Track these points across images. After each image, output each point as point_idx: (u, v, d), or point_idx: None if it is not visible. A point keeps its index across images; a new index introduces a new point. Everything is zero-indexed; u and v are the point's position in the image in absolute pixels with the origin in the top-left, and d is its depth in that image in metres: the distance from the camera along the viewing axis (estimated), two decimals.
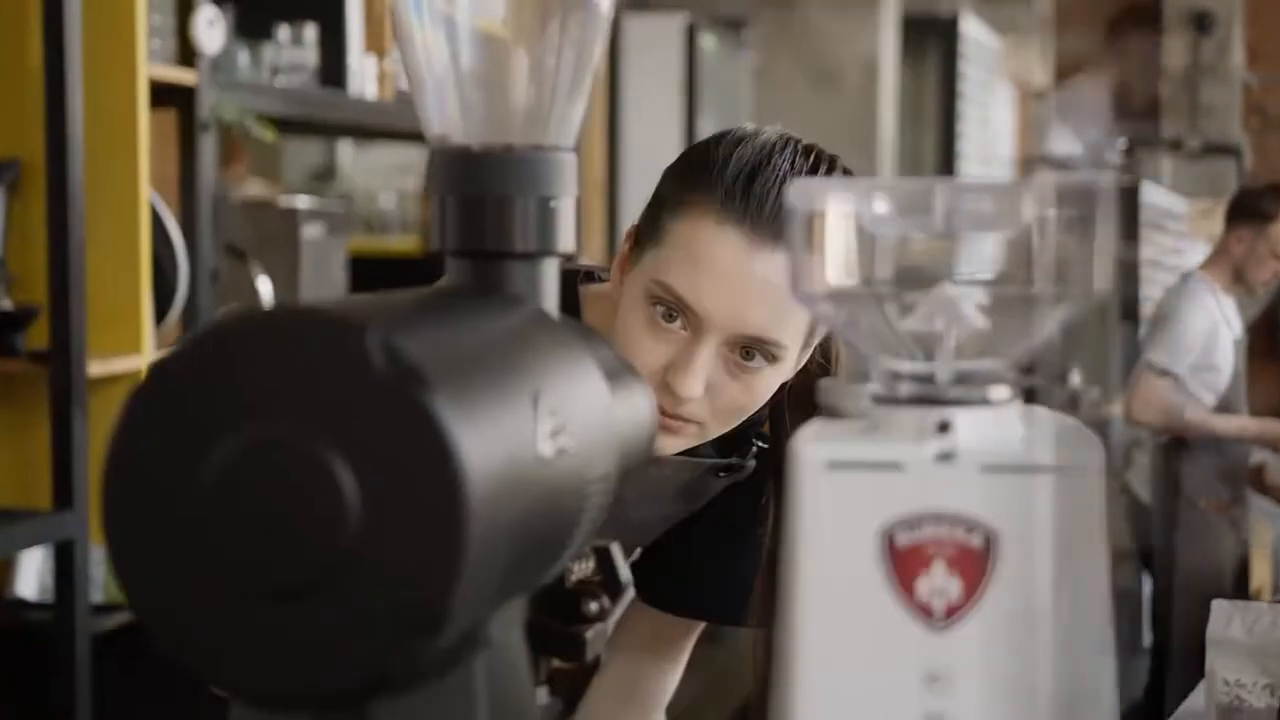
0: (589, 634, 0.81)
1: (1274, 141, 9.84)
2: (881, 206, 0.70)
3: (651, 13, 4.79)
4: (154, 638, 0.62)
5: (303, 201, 3.06)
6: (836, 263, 0.71)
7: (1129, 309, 7.12)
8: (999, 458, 0.67)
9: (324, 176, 4.73)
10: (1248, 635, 1.95)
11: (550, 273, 0.81)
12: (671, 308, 1.22)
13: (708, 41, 4.77)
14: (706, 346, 1.21)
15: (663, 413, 1.23)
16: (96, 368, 2.36)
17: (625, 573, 0.85)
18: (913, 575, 0.67)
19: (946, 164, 7.32)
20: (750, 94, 5.18)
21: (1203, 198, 7.99)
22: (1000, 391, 0.70)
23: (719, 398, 1.24)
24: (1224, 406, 4.23)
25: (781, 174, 1.23)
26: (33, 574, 2.60)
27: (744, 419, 1.28)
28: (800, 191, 0.70)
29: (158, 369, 0.62)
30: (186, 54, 2.59)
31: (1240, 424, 4.30)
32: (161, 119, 2.57)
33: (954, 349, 0.70)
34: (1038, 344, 0.71)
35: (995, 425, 0.69)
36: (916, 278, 0.72)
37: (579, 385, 0.74)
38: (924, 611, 0.67)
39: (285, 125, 3.06)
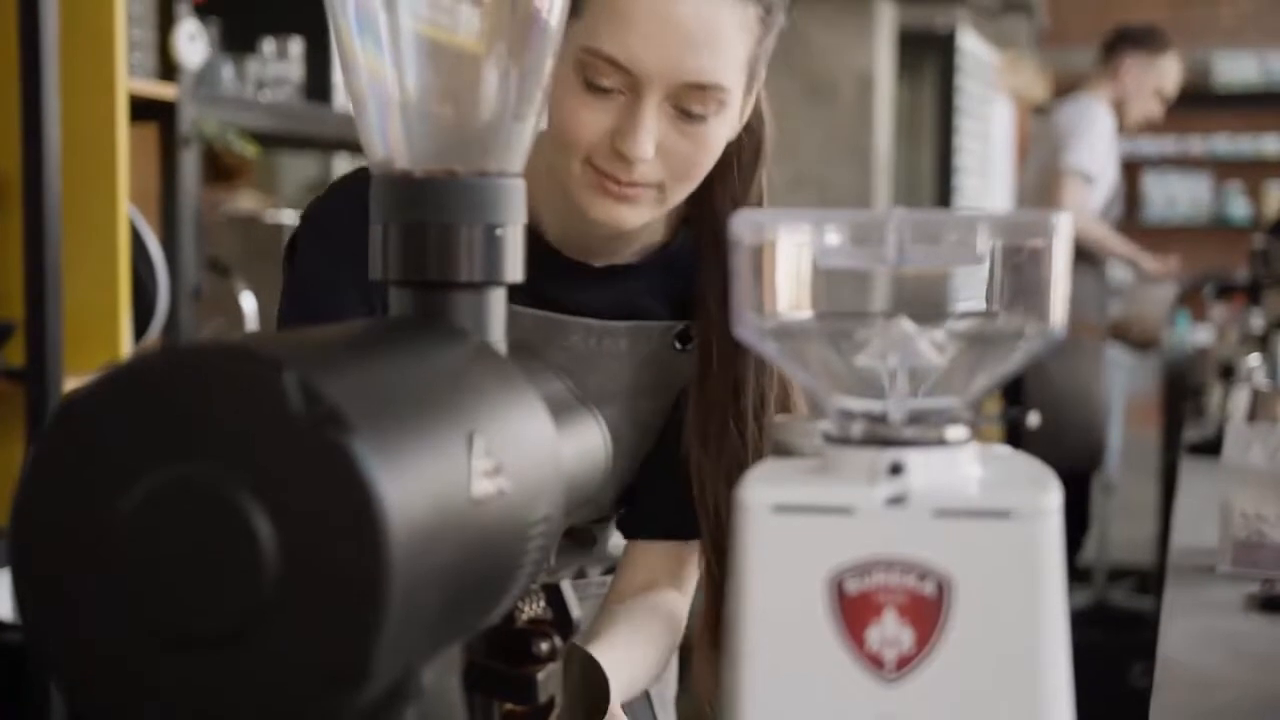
0: (540, 675, 0.78)
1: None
2: (833, 238, 0.67)
3: None
4: (60, 687, 0.59)
5: (289, 216, 3.03)
6: (786, 296, 0.68)
7: (944, 160, 7.19)
8: (952, 501, 0.64)
9: (319, 189, 4.69)
10: (1268, 461, 1.84)
11: (497, 303, 0.78)
12: (604, 73, 1.19)
13: None
14: (648, 103, 1.18)
15: (617, 182, 1.21)
16: (74, 385, 2.33)
17: (577, 610, 0.82)
18: (863, 624, 0.64)
19: (943, 178, 7.30)
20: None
21: (999, 51, 8.05)
22: (957, 431, 0.67)
23: (671, 157, 1.21)
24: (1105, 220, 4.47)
25: None
26: (7, 593, 2.57)
27: (700, 178, 1.24)
28: (747, 222, 0.67)
29: (70, 404, 0.59)
30: (168, 68, 2.56)
31: (1128, 247, 4.60)
32: (143, 133, 2.54)
33: (908, 386, 0.67)
34: (995, 382, 0.68)
35: (950, 467, 0.66)
36: (869, 312, 0.69)
37: (520, 422, 0.71)
38: (875, 662, 0.64)
39: (270, 139, 3.03)
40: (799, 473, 0.68)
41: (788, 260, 0.67)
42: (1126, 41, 4.43)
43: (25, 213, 2.28)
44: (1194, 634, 1.55)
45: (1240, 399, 2.93)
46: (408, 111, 0.78)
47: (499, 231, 0.77)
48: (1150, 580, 5.15)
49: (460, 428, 0.65)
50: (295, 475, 0.57)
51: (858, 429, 0.67)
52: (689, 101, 1.19)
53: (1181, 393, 4.70)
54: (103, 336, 2.40)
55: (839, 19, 5.27)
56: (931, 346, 0.67)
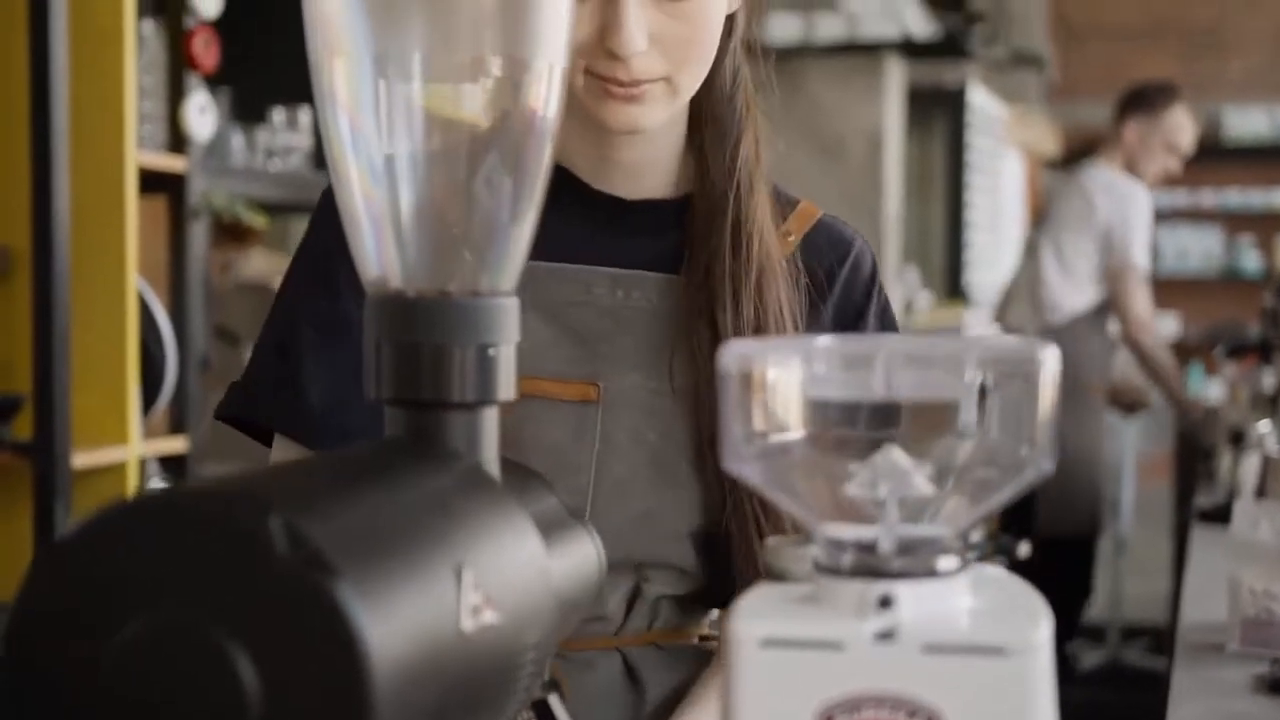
0: None
1: (1078, 53, 9.86)
2: (820, 368, 0.67)
3: None
4: None
5: None
6: (774, 425, 0.68)
7: (954, 215, 7.19)
8: (943, 636, 0.64)
9: None
10: (1276, 538, 1.82)
11: (490, 422, 0.78)
12: None
13: None
14: None
15: (620, 83, 1.14)
16: (82, 459, 2.33)
17: None
18: None
19: (954, 234, 7.31)
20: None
21: (1009, 105, 8.07)
22: (947, 561, 0.67)
23: (667, 43, 1.14)
24: None
25: None
26: None
27: (709, 60, 1.17)
28: (734, 354, 0.67)
29: (55, 549, 0.59)
30: (178, 140, 2.58)
31: (1176, 383, 4.61)
32: (152, 205, 2.56)
33: (898, 515, 0.67)
34: (986, 512, 0.68)
35: (940, 599, 0.66)
36: (860, 439, 0.69)
37: (511, 550, 0.71)
38: None
39: (280, 207, 3.05)
40: (789, 602, 0.68)
41: (775, 390, 0.67)
42: (1128, 104, 4.47)
43: (34, 285, 2.29)
44: (1202, 718, 1.54)
45: (1251, 466, 2.91)
46: (401, 231, 0.78)
47: (492, 351, 0.77)
48: (1164, 639, 5.12)
49: (449, 561, 0.65)
50: (280, 620, 0.57)
51: (847, 559, 0.67)
52: None
53: (1193, 453, 4.69)
54: (112, 409, 2.40)
55: (848, 78, 5.29)
56: (922, 477, 0.67)
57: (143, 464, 2.53)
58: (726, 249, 1.21)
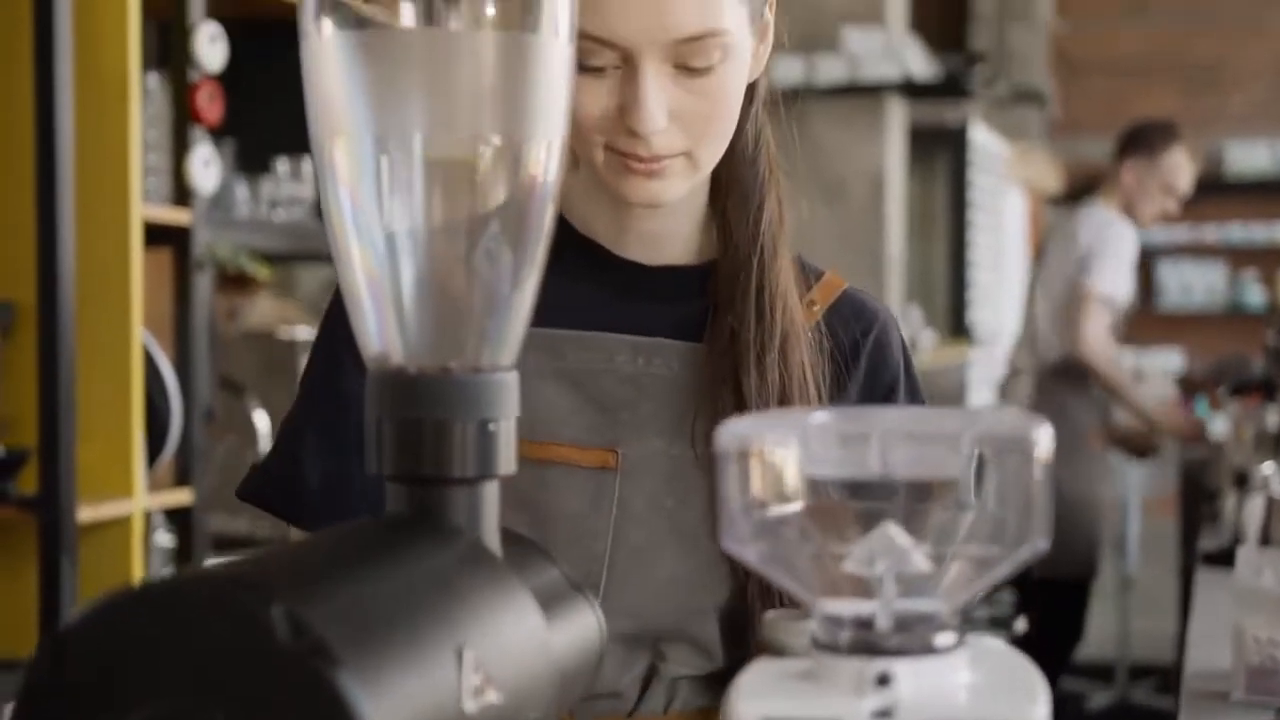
0: None
1: (1079, 89, 9.89)
2: (817, 446, 0.67)
3: None
4: None
5: (303, 332, 3.05)
6: (771, 501, 0.69)
7: (957, 254, 7.20)
8: (941, 714, 0.64)
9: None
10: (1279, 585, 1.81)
11: (490, 496, 0.79)
12: (591, 53, 1.11)
13: None
14: (646, 72, 1.10)
15: (640, 159, 1.13)
16: (87, 513, 2.34)
17: None
18: None
19: (957, 273, 7.32)
20: None
21: (1011, 142, 8.08)
22: (945, 638, 0.67)
23: (687, 118, 1.13)
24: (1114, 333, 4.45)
25: None
26: None
27: (729, 133, 1.16)
28: (731, 434, 0.67)
29: (59, 636, 0.60)
30: (183, 193, 2.59)
31: (1139, 400, 4.55)
32: (157, 258, 2.57)
33: (895, 590, 0.68)
34: (983, 588, 0.69)
35: (939, 675, 0.66)
36: (857, 515, 0.70)
37: (511, 627, 0.71)
38: None
39: (284, 257, 3.06)
40: (788, 679, 0.68)
41: (773, 468, 0.68)
42: (1127, 145, 4.48)
43: (40, 340, 2.30)
44: None
45: (1255, 508, 2.91)
46: (402, 307, 0.79)
47: (492, 426, 0.78)
48: (1172, 679, 5.10)
49: (450, 642, 0.65)
50: (283, 708, 0.58)
51: (845, 636, 0.67)
52: (688, 57, 1.11)
53: (1197, 491, 4.68)
54: (117, 463, 2.41)
55: (850, 118, 5.31)
56: (920, 553, 0.67)
57: (148, 516, 2.54)
58: (751, 314, 1.20)
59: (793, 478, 0.69)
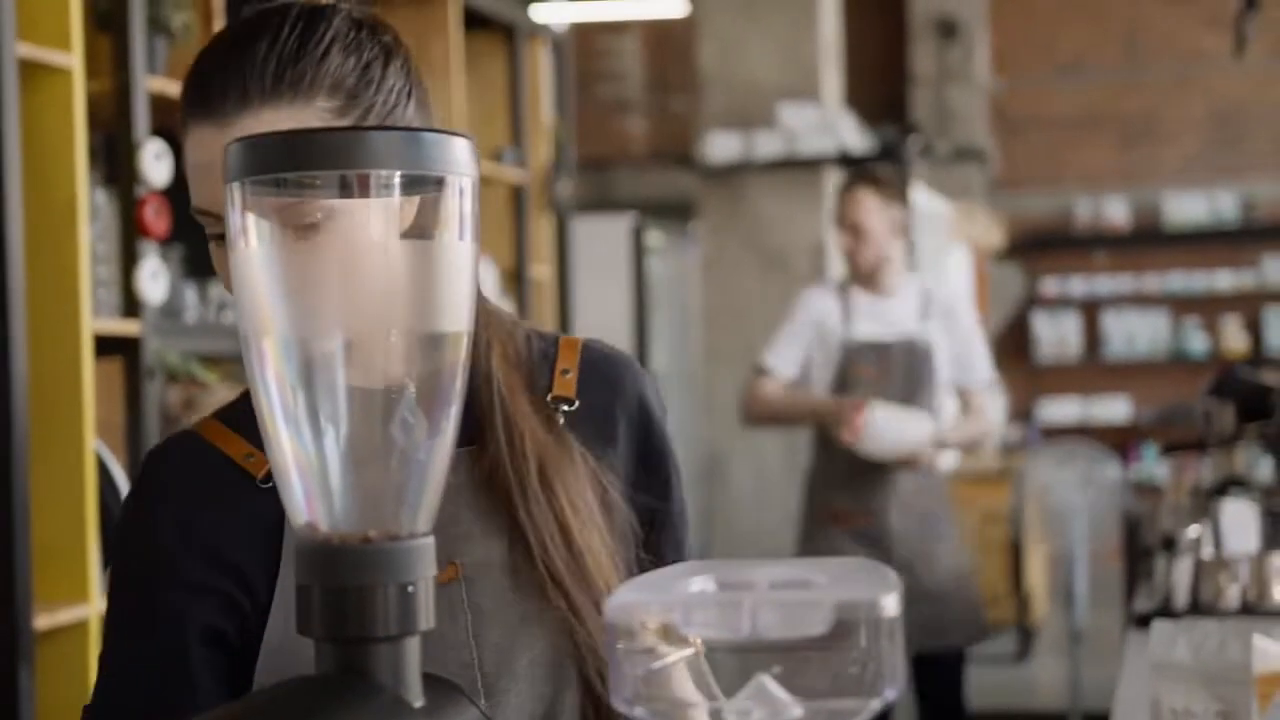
0: None
1: (1019, 145, 10.09)
2: (695, 616, 0.76)
3: (600, 213, 4.92)
4: None
5: None
6: (655, 660, 0.77)
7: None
8: None
9: None
10: (1194, 657, 1.88)
11: (412, 651, 0.87)
12: (211, 224, 1.18)
13: (654, 238, 4.89)
14: None
15: None
16: (43, 621, 2.40)
17: None
18: None
19: None
20: (699, 281, 5.30)
21: (954, 201, 8.21)
22: None
23: None
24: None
25: (233, 37, 1.19)
26: None
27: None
28: (619, 606, 0.76)
29: None
30: (132, 303, 2.67)
31: (815, 401, 3.97)
32: (108, 367, 2.64)
33: None
34: None
35: None
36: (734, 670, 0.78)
37: None
38: None
39: (235, 358, 3.14)
40: None
41: (658, 634, 0.76)
42: None
43: None
44: None
45: (1183, 571, 2.99)
46: (326, 483, 0.87)
47: (411, 588, 0.86)
48: None
49: None
50: None
51: None
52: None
53: (1137, 545, 4.77)
54: (71, 572, 2.47)
55: (788, 191, 5.44)
56: (794, 704, 0.76)
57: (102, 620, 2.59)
58: (503, 454, 1.24)
59: (674, 640, 0.77)
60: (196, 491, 1.24)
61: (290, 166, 0.86)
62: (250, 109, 1.15)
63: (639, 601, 0.77)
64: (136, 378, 2.65)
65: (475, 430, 1.25)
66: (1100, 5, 9.95)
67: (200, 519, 1.22)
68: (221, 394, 3.40)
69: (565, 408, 1.27)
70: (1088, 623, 5.82)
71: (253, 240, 0.86)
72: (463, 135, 0.88)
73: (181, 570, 1.20)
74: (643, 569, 1.24)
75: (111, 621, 1.25)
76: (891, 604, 0.75)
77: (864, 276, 3.98)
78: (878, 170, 4.18)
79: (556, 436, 1.25)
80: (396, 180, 0.86)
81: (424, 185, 0.87)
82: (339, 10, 1.21)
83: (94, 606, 2.50)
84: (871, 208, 3.90)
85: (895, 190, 3.98)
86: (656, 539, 1.31)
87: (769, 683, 0.77)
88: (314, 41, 1.17)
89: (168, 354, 2.65)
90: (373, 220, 0.87)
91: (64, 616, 2.45)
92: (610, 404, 1.31)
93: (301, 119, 1.16)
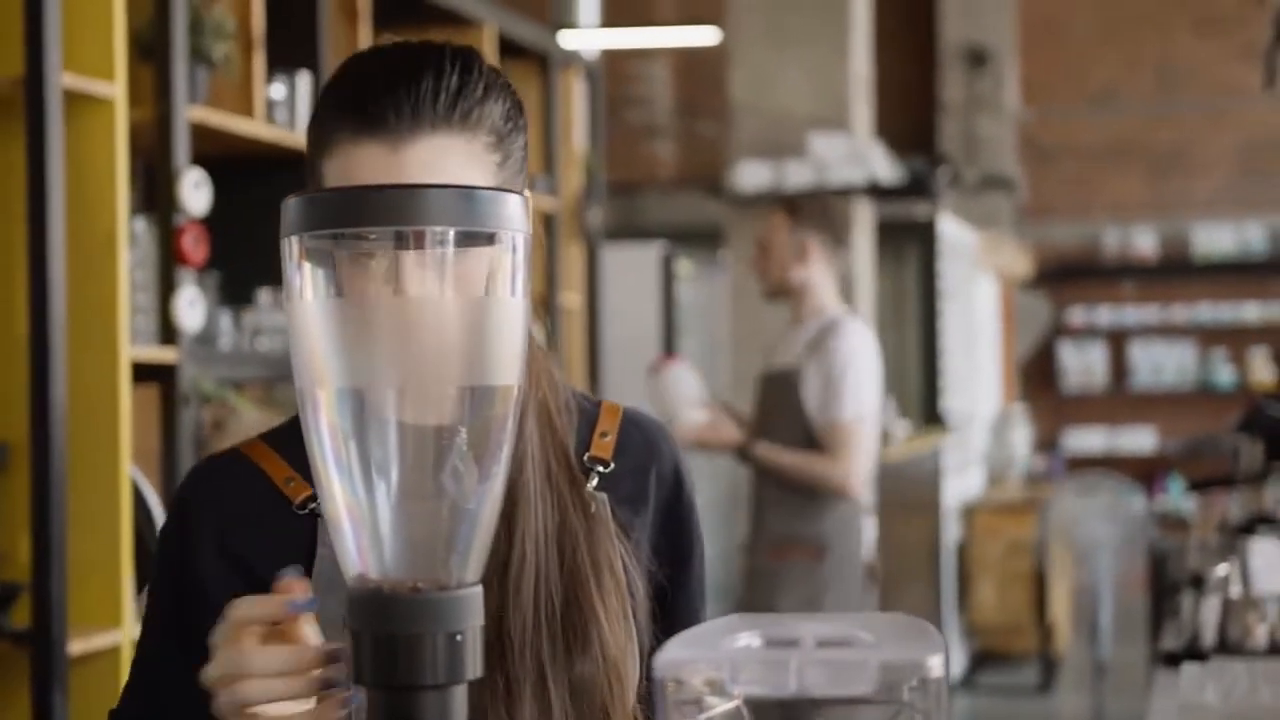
0: None
1: (1047, 174, 10.06)
2: (743, 674, 0.77)
3: (630, 241, 4.93)
4: None
5: None
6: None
7: (929, 343, 7.24)
8: None
9: None
10: (1223, 700, 1.88)
11: (459, 699, 0.89)
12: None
13: (684, 267, 4.90)
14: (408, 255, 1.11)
15: None
16: (77, 645, 2.42)
17: None
18: None
19: (929, 360, 7.44)
20: (728, 310, 5.30)
21: (982, 229, 8.18)
22: None
23: None
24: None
25: (393, 59, 1.18)
26: None
27: None
28: (668, 663, 0.77)
29: None
30: (169, 331, 2.69)
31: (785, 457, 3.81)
32: (144, 394, 2.67)
33: None
34: None
35: None
36: None
37: None
38: None
39: (268, 383, 3.17)
40: None
41: (706, 691, 0.78)
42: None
43: (32, 479, 2.39)
44: None
45: (1211, 609, 2.98)
46: (378, 534, 0.89)
47: (459, 638, 0.88)
48: None
49: None
50: None
51: None
52: None
53: (1164, 578, 4.75)
54: (106, 594, 2.49)
55: None
56: None
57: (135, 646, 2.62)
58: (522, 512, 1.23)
59: (719, 693, 0.78)
60: (235, 509, 1.25)
61: (348, 222, 0.87)
62: (423, 133, 1.16)
63: (687, 659, 0.78)
64: (172, 405, 2.67)
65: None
66: (1132, 36, 9.94)
67: (236, 535, 1.24)
68: (250, 418, 3.42)
69: (600, 469, 1.28)
70: (1111, 655, 5.80)
71: (309, 293, 0.88)
72: (516, 192, 0.90)
73: (213, 583, 1.22)
74: (655, 640, 1.24)
75: (145, 627, 1.28)
76: (938, 665, 0.76)
77: (771, 296, 4.00)
78: (806, 200, 4.18)
79: (579, 498, 1.25)
80: (451, 236, 0.88)
81: (477, 240, 0.89)
82: (480, 56, 1.22)
83: (127, 632, 2.51)
84: (777, 226, 3.90)
85: (816, 221, 3.91)
86: (672, 606, 1.31)
87: None
88: (474, 81, 1.19)
89: (203, 381, 2.68)
90: (427, 275, 0.88)
91: (98, 641, 2.47)
92: (645, 468, 1.32)
93: (469, 152, 1.17)
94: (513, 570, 1.21)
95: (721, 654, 0.78)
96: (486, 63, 1.22)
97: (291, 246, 0.88)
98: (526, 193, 1.25)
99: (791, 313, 3.96)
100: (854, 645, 0.79)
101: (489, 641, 1.17)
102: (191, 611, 1.22)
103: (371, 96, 1.16)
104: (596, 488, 1.27)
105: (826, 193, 4.17)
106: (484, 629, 1.18)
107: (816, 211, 3.95)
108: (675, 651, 0.78)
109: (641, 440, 1.33)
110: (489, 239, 0.89)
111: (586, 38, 5.14)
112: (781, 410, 3.84)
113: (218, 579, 1.23)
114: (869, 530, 4.01)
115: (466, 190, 0.89)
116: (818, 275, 3.89)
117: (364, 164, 1.16)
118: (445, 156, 1.16)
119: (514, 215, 0.89)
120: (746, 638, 0.80)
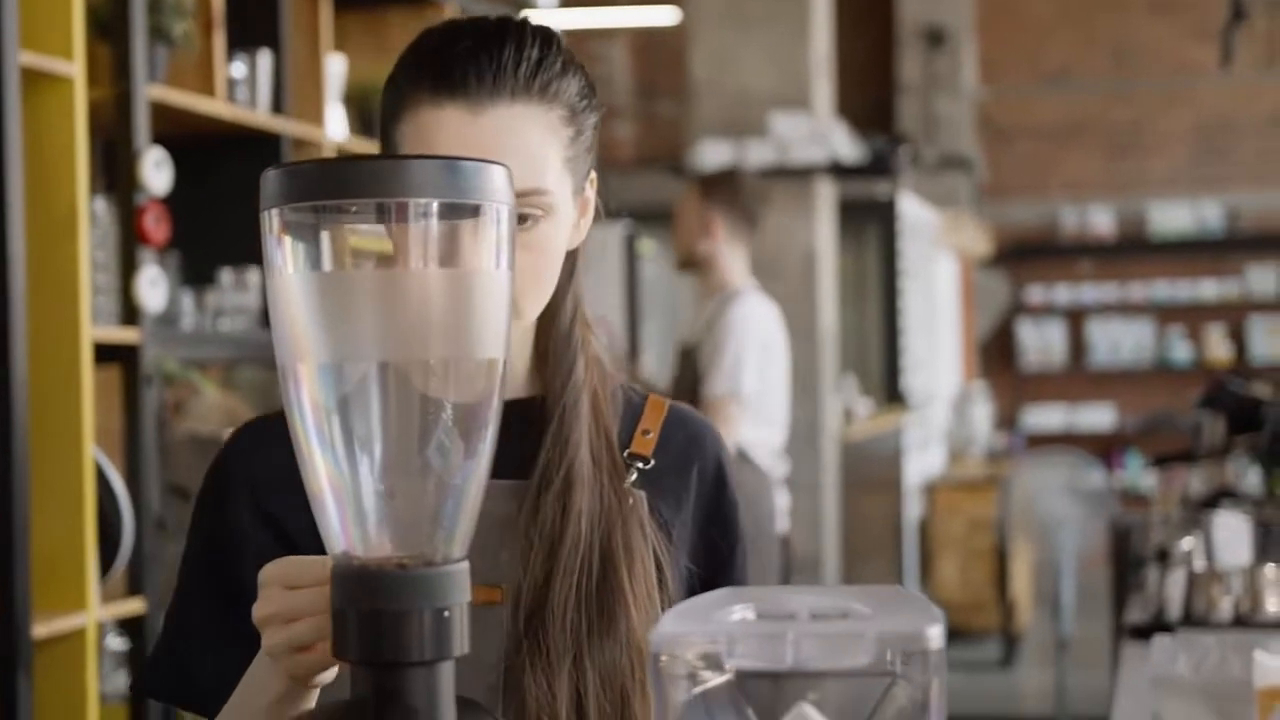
0: None
1: (1005, 153, 10.12)
2: (738, 648, 0.76)
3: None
4: None
5: None
6: (696, 689, 0.78)
7: (890, 321, 7.29)
8: None
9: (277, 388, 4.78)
10: (1194, 672, 1.89)
11: (446, 675, 0.88)
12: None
13: (646, 246, 4.89)
14: None
15: None
16: (41, 629, 2.39)
17: None
18: None
19: (890, 338, 7.46)
20: (690, 292, 5.30)
21: (941, 208, 8.23)
22: None
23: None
24: None
25: (475, 29, 1.20)
26: None
27: (551, 286, 1.22)
28: (664, 638, 0.76)
29: None
30: (130, 311, 2.66)
31: None
32: (106, 374, 2.64)
33: None
34: None
35: None
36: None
37: None
38: None
39: (230, 364, 3.14)
40: None
41: (701, 663, 0.77)
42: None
43: None
44: None
45: (1176, 582, 3.00)
46: (362, 509, 0.88)
47: (446, 613, 0.87)
48: None
49: None
50: None
51: None
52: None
53: (1126, 554, 4.78)
54: (70, 579, 2.46)
55: (780, 199, 5.43)
56: None
57: (101, 628, 2.59)
58: (542, 456, 1.24)
59: (718, 670, 0.78)
60: (269, 468, 1.24)
61: (329, 194, 0.86)
62: (502, 100, 1.17)
63: (683, 633, 0.77)
64: (135, 385, 2.64)
65: (537, 465, 1.25)
66: (1088, 16, 9.97)
67: (272, 501, 1.23)
68: (212, 398, 3.39)
69: (640, 465, 1.28)
70: (1073, 630, 5.84)
71: (289, 267, 0.87)
72: (499, 164, 0.89)
73: (251, 546, 1.23)
74: None
75: (181, 579, 1.28)
76: (936, 635, 0.75)
77: (680, 268, 4.09)
78: (718, 177, 4.18)
79: (617, 490, 1.25)
80: (434, 208, 0.86)
81: (461, 213, 0.88)
82: (560, 34, 1.24)
83: (92, 614, 2.49)
84: (687, 199, 3.99)
85: (724, 198, 3.96)
86: None
87: (810, 710, 0.78)
88: (553, 55, 1.21)
89: (165, 361, 2.65)
90: (410, 247, 0.87)
91: (62, 624, 2.44)
92: (687, 466, 1.32)
93: (546, 123, 1.19)
94: (565, 546, 1.21)
95: (717, 627, 0.77)
96: (564, 43, 1.24)
97: (271, 219, 0.86)
98: (593, 174, 1.27)
99: (700, 287, 4.01)
100: (849, 617, 0.79)
101: (534, 610, 1.20)
102: (227, 565, 1.23)
103: (456, 61, 1.17)
104: (637, 484, 1.27)
105: (743, 172, 4.19)
106: (530, 598, 1.19)
107: (726, 189, 3.99)
108: (670, 625, 0.77)
109: (684, 438, 1.33)
110: (473, 211, 0.88)
111: (546, 17, 5.11)
112: (685, 384, 3.88)
113: (251, 536, 1.24)
114: (781, 502, 3.99)
115: (449, 161, 0.88)
116: (724, 250, 3.93)
117: (443, 127, 1.17)
118: (523, 124, 1.18)
119: (498, 187, 0.88)
120: (741, 610, 0.79)
